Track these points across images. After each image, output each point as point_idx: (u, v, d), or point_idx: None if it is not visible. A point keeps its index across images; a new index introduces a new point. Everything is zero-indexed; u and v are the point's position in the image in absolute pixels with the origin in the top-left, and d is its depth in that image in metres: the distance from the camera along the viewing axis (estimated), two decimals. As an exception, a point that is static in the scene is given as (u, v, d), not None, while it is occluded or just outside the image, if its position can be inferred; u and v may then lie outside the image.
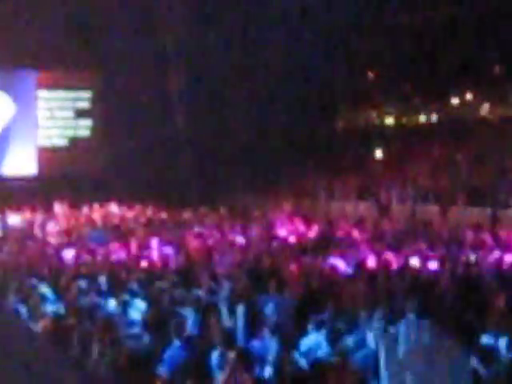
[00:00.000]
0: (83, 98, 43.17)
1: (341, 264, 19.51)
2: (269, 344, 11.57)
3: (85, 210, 33.40)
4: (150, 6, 40.40)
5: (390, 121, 47.01)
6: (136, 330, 13.32)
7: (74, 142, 42.66)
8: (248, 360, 9.81)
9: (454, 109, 43.60)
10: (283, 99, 38.37)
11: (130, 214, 32.90)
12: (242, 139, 37.66)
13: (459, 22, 40.81)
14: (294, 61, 37.88)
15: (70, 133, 42.67)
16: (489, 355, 10.37)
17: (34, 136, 42.37)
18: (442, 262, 19.35)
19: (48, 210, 32.98)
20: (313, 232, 26.99)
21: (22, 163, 41.84)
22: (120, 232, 27.97)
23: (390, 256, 20.56)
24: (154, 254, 22.65)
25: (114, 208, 34.09)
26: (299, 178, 37.71)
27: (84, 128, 43.07)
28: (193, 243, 24.68)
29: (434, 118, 45.17)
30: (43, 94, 42.34)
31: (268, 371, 10.38)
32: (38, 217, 31.96)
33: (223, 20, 39.59)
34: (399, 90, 45.18)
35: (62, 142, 42.44)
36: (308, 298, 14.99)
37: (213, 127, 38.47)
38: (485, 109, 42.34)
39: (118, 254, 23.23)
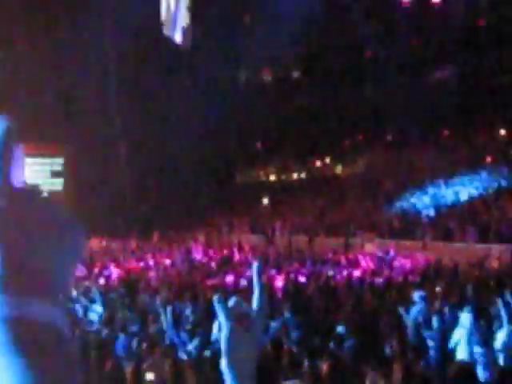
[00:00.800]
0: (57, 163, 42.85)
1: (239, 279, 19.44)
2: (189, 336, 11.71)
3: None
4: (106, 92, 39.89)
5: (272, 177, 47.54)
6: (95, 326, 13.35)
7: (50, 194, 42.10)
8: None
9: (317, 169, 44.70)
10: (197, 164, 38.40)
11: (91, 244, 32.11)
12: (171, 197, 37.86)
13: (319, 109, 41.83)
14: (209, 137, 38.23)
15: (48, 188, 41.75)
16: (341, 340, 10.66)
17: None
18: (309, 277, 19.69)
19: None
20: (218, 256, 26.92)
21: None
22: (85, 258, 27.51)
23: (273, 273, 20.58)
24: (112, 273, 22.29)
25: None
26: (209, 217, 37.91)
27: (58, 184, 42.61)
28: (133, 265, 24.52)
29: (303, 175, 45.73)
30: (28, 160, 41.61)
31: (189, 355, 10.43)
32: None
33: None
34: (279, 155, 45.99)
35: (41, 195, 41.93)
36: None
37: (150, 188, 38.18)
38: (338, 169, 43.37)
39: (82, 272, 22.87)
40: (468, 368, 8.43)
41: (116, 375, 9.65)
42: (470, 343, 10.23)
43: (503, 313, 10.90)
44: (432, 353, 10.51)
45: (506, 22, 36.55)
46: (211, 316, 12.89)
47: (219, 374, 8.04)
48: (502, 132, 35.95)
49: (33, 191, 1.37)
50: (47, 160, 42.43)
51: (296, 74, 46.59)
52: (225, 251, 28.18)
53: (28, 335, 1.01)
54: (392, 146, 38.64)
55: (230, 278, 19.91)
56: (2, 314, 1.02)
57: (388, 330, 11.17)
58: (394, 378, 8.18)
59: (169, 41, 40.12)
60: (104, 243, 32.66)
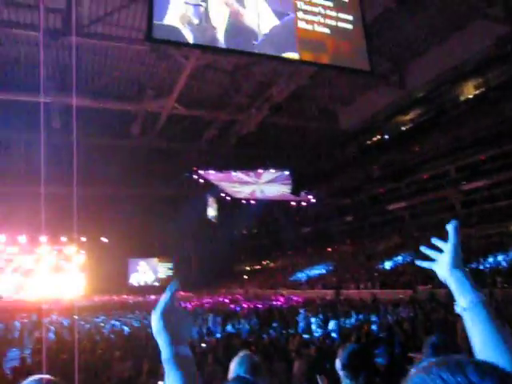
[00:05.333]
0: (170, 265, 33.51)
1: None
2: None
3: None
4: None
5: (248, 268, 34.73)
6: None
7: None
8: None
9: (264, 264, 33.90)
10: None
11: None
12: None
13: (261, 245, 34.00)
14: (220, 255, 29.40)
15: (168, 274, 32.73)
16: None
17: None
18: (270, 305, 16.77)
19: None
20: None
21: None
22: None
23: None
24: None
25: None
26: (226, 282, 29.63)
27: (170, 273, 33.02)
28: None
29: (259, 266, 33.26)
30: (159, 264, 33.39)
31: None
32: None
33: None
34: (250, 261, 35.02)
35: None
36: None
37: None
38: (271, 264, 32.71)
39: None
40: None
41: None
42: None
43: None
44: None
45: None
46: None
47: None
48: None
49: None
50: (167, 264, 33.58)
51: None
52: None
53: None
54: (286, 257, 31.79)
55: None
56: None
57: (293, 328, 9.76)
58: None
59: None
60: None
